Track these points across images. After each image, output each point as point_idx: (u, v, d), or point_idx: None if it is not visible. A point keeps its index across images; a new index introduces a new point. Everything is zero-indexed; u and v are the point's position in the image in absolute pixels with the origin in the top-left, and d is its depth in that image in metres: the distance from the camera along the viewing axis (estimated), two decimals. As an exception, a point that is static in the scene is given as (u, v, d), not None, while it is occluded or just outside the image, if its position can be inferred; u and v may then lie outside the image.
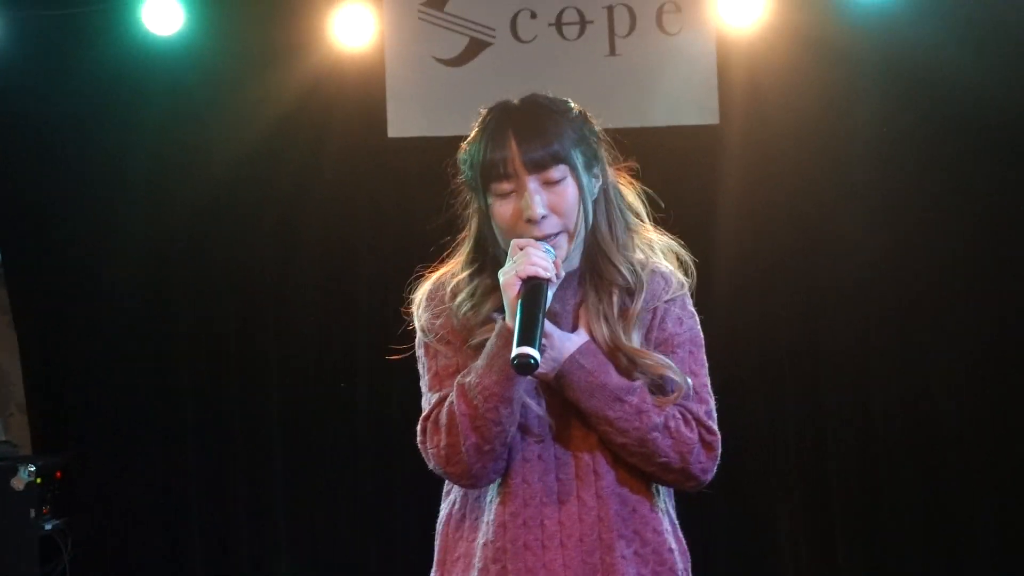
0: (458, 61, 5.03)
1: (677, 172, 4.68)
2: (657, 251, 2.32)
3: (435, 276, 2.33)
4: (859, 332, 5.01)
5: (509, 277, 2.10)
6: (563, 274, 2.17)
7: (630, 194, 2.32)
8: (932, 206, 4.97)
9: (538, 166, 2.15)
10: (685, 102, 4.97)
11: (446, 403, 2.17)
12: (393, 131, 5.01)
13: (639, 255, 2.29)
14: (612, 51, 4.99)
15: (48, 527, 4.76)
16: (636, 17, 4.99)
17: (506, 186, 2.17)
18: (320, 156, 5.07)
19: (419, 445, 2.22)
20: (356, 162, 5.08)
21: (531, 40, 5.01)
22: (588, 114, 2.27)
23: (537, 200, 2.15)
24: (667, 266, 2.31)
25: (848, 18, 4.95)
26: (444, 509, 2.31)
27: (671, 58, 4.97)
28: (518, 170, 2.15)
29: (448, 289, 2.27)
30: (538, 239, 2.15)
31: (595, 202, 2.23)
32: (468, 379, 2.14)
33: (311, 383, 5.12)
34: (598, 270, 2.23)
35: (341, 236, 5.12)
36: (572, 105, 2.27)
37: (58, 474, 4.90)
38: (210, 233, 5.12)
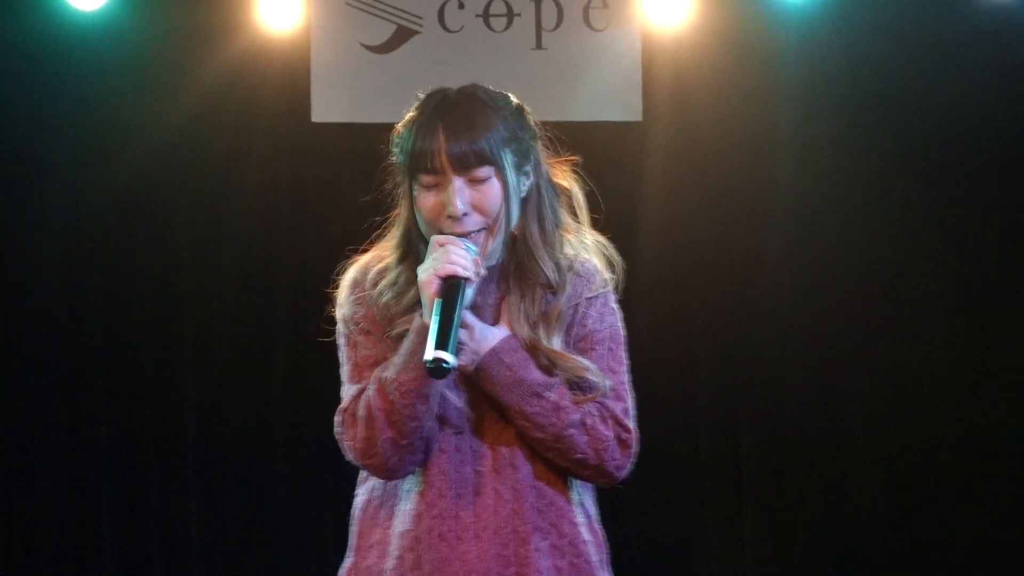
0: (385, 48, 5.01)
1: (599, 168, 4.67)
2: (585, 249, 2.33)
3: (361, 261, 2.33)
4: (779, 332, 5.06)
5: (427, 275, 2.12)
6: (484, 271, 2.19)
7: (566, 190, 2.34)
8: (855, 210, 5.03)
9: (463, 165, 2.16)
10: (609, 98, 5.00)
11: (363, 396, 2.18)
12: (317, 116, 4.98)
13: (568, 251, 2.30)
14: (539, 44, 5.01)
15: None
16: (563, 11, 5.01)
17: (431, 179, 2.18)
18: (243, 139, 5.02)
19: (336, 436, 2.23)
20: (279, 146, 5.04)
21: (458, 30, 5.01)
22: (526, 109, 2.28)
23: (459, 198, 2.16)
24: (593, 263, 2.32)
25: (774, 20, 4.99)
26: (361, 496, 2.31)
27: (596, 54, 4.99)
28: (444, 166, 2.16)
29: (370, 276, 2.28)
30: (459, 235, 2.16)
31: (525, 199, 2.25)
32: (386, 374, 2.15)
33: (229, 368, 5.06)
34: (522, 267, 2.25)
35: (264, 219, 5.08)
36: (511, 100, 2.28)
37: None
38: (130, 216, 5.04)
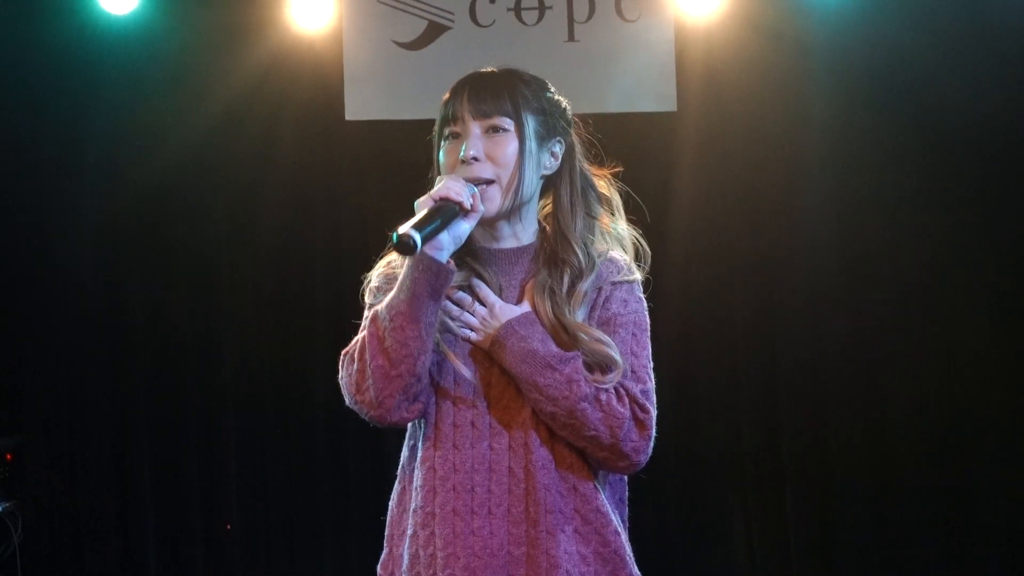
0: (416, 44, 5.01)
1: (633, 159, 4.67)
2: (616, 241, 2.37)
3: None
4: (814, 323, 5.02)
5: (423, 199, 2.16)
6: (482, 209, 2.22)
7: (607, 187, 2.39)
8: (890, 201, 4.99)
9: (482, 113, 2.24)
10: (643, 89, 4.98)
11: (359, 336, 2.22)
12: (351, 114, 4.98)
13: (599, 242, 2.34)
14: (571, 37, 5.00)
15: (-2, 509, 4.72)
16: (595, 3, 4.99)
17: (453, 128, 2.26)
18: (276, 139, 5.03)
19: (339, 382, 2.25)
20: (313, 145, 5.04)
21: (490, 24, 5.00)
22: (566, 104, 2.35)
23: (473, 143, 2.23)
24: (622, 256, 2.36)
25: (807, 9, 4.96)
26: (395, 488, 2.34)
27: (629, 45, 4.97)
28: (464, 115, 2.25)
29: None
30: (468, 180, 2.20)
31: (558, 182, 2.32)
32: (380, 307, 2.19)
33: (265, 370, 5.07)
34: (553, 249, 2.28)
35: (297, 219, 5.08)
36: (549, 85, 2.35)
37: (8, 456, 4.85)
38: (163, 216, 5.06)
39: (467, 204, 2.16)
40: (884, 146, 5.00)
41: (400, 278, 2.17)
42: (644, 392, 2.24)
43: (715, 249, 5.03)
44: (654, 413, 2.25)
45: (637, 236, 2.39)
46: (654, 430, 2.24)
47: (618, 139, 2.51)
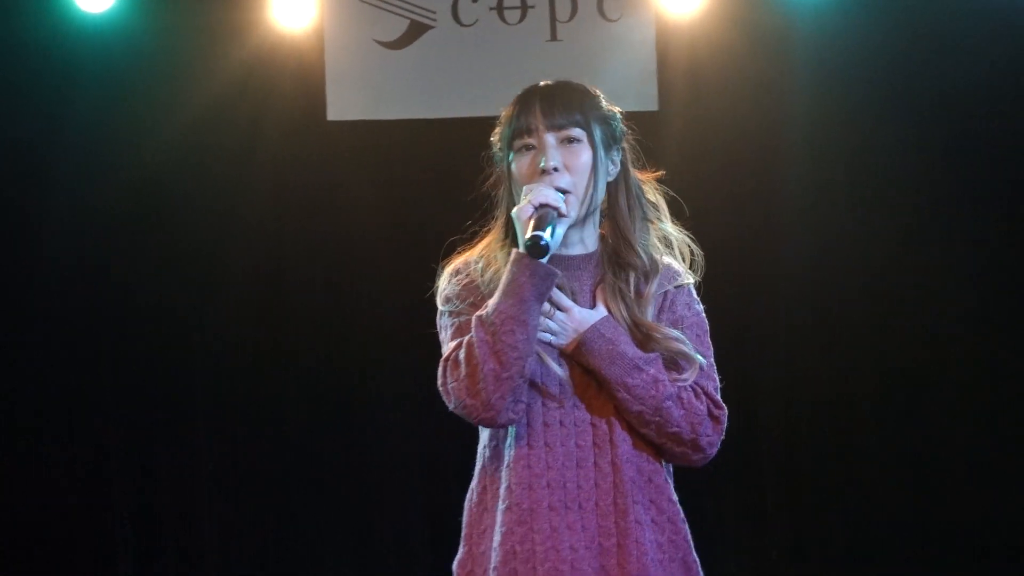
0: (399, 44, 4.99)
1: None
2: (669, 245, 2.51)
3: (463, 256, 2.48)
4: (794, 322, 5.05)
5: (522, 205, 2.27)
6: (573, 215, 2.33)
7: (651, 192, 2.53)
8: (870, 199, 5.02)
9: (557, 125, 2.35)
10: (625, 88, 4.97)
11: (463, 341, 2.29)
12: (333, 114, 4.96)
13: (655, 245, 2.47)
14: (553, 36, 5.00)
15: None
16: (578, 2, 4.99)
17: (527, 140, 2.36)
18: (258, 140, 4.99)
19: (440, 388, 2.34)
20: (294, 145, 5.01)
21: (472, 24, 4.99)
22: (619, 111, 2.50)
23: (552, 153, 2.34)
24: (677, 260, 2.50)
25: (789, 8, 4.97)
26: (472, 489, 2.44)
27: (611, 44, 4.97)
28: (539, 126, 2.35)
29: (473, 262, 2.43)
30: None
31: (615, 188, 2.44)
32: (485, 310, 2.28)
33: (240, 370, 5.05)
34: (617, 252, 2.41)
35: (277, 220, 5.06)
36: (603, 96, 2.49)
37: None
38: (142, 218, 5.01)
39: (564, 210, 2.29)
40: (866, 144, 5.01)
41: (504, 283, 2.27)
42: (716, 389, 2.40)
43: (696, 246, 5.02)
44: (726, 409, 2.39)
45: (688, 240, 2.54)
46: (726, 424, 2.38)
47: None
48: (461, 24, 4.99)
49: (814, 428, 5.04)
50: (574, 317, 2.33)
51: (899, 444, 5.00)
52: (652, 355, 2.33)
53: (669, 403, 2.30)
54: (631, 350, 2.31)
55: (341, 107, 4.95)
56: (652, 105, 4.99)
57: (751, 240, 5.06)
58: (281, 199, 5.05)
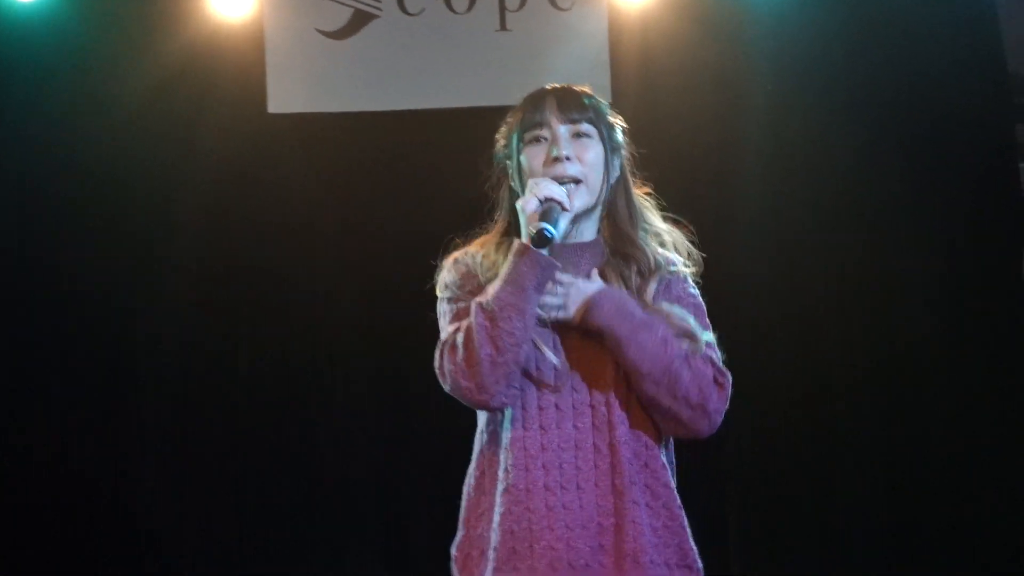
0: (342, 34, 4.94)
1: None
2: (663, 244, 2.60)
3: (462, 250, 2.57)
4: (749, 313, 4.98)
5: (527, 197, 2.39)
6: (578, 206, 2.44)
7: (651, 208, 2.65)
8: (824, 187, 5.00)
9: (570, 118, 2.48)
10: (576, 79, 4.77)
11: (461, 326, 2.39)
12: (273, 107, 4.92)
13: (653, 247, 2.57)
14: (503, 26, 4.95)
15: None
16: (528, -10, 4.96)
17: (539, 132, 2.48)
18: (196, 134, 4.92)
19: (436, 370, 2.43)
20: (234, 139, 4.93)
21: (418, 13, 4.94)
22: (622, 123, 2.62)
23: (563, 143, 2.46)
24: (674, 255, 2.60)
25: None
26: (470, 473, 2.51)
27: (562, 34, 4.94)
28: (552, 119, 2.47)
29: (471, 253, 2.54)
30: (557, 178, 2.43)
31: (615, 192, 2.56)
32: (485, 297, 2.38)
33: (186, 366, 4.98)
34: (615, 242, 2.53)
35: (218, 214, 4.98)
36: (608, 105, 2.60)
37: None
38: (77, 212, 4.93)
39: (567, 204, 2.39)
40: (820, 136, 4.99)
41: (505, 271, 2.37)
42: (718, 359, 2.48)
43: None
44: (730, 377, 2.46)
45: (688, 243, 2.64)
46: (729, 392, 2.46)
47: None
48: (407, 13, 4.94)
49: (780, 430, 5.00)
50: (577, 287, 2.41)
51: (870, 445, 4.98)
52: (659, 318, 2.42)
53: (678, 363, 2.38)
54: (639, 311, 2.40)
55: (282, 99, 4.91)
56: (605, 96, 4.89)
57: (705, 234, 4.98)
58: (221, 194, 4.97)
